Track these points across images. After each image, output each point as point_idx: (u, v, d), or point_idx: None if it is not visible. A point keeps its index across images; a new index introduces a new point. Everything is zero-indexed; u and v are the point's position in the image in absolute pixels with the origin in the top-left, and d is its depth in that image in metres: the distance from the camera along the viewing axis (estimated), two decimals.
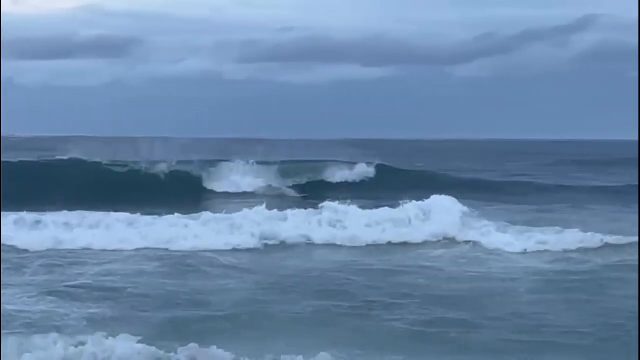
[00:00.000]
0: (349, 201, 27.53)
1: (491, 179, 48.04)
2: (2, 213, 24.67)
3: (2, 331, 12.75)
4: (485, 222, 25.90)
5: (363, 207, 27.22)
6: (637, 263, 20.24)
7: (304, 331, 13.97)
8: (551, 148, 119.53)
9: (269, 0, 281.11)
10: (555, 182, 46.48)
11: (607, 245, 23.30)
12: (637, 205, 31.23)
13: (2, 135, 65.36)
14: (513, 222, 26.29)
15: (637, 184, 41.26)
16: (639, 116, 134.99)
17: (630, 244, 22.99)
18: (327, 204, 26.99)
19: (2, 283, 17.09)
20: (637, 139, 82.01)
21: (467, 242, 24.12)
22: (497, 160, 77.49)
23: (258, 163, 41.83)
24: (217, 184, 40.45)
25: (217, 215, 25.97)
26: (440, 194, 27.62)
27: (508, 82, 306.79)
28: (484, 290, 17.77)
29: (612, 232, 24.45)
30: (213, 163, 42.03)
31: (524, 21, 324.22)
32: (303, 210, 26.89)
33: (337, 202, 27.22)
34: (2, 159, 38.35)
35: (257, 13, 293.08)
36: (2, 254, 20.84)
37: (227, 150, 45.92)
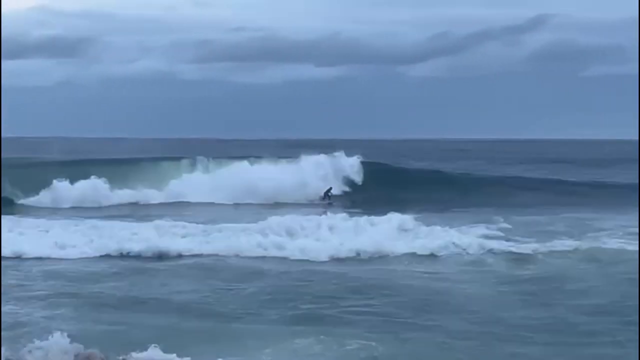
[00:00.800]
0: None
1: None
2: None
3: None
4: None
5: None
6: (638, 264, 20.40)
7: None
8: (503, 147, 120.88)
9: (222, 0, 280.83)
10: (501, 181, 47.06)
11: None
12: (638, 207, 31.13)
13: None
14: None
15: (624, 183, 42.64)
16: (638, 116, 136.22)
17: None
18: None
19: None
20: (638, 138, 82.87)
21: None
22: (448, 159, 78.49)
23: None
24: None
25: None
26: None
27: (461, 81, 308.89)
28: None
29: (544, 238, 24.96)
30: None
31: (478, 21, 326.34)
32: None
33: None
34: None
35: (211, 13, 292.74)
36: None
37: (182, 150, 46.38)
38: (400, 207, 28.23)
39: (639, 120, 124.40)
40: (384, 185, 41.71)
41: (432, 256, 23.12)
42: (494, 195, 40.02)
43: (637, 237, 23.90)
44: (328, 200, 39.58)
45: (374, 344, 13.31)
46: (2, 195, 35.37)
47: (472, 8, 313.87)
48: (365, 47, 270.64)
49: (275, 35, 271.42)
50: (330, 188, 40.67)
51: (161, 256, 22.60)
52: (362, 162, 43.55)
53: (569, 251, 23.06)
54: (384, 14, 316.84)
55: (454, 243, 23.69)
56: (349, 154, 43.55)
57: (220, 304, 16.58)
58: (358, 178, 42.85)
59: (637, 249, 22.33)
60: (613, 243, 23.99)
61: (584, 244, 23.70)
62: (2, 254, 21.61)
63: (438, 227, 25.25)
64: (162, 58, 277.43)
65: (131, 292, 17.78)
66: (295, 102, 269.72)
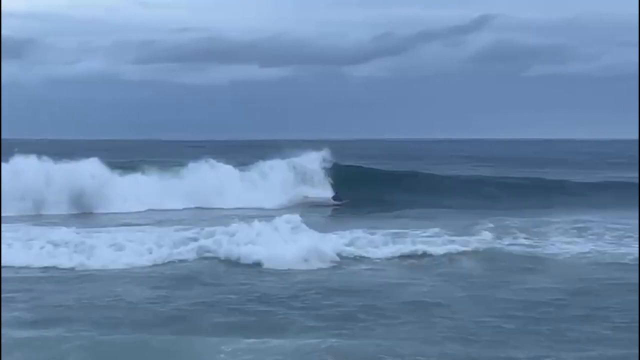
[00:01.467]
0: None
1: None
2: None
3: None
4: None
5: None
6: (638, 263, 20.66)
7: None
8: (447, 147, 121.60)
9: (165, 0, 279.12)
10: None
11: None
12: (638, 207, 31.45)
13: None
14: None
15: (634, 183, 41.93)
16: (639, 116, 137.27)
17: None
18: None
19: None
20: (637, 139, 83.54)
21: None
22: (392, 159, 78.82)
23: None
24: None
25: None
26: None
27: (405, 82, 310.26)
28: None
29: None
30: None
31: (421, 21, 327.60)
32: None
33: None
34: None
35: (154, 13, 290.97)
36: None
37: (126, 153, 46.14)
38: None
39: (639, 120, 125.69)
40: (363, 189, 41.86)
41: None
42: (443, 194, 40.39)
43: (638, 236, 23.98)
44: (340, 201, 39.58)
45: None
46: None
47: (415, 9, 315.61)
48: (310, 47, 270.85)
49: (220, 35, 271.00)
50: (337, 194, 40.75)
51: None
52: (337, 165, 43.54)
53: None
54: (328, 14, 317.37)
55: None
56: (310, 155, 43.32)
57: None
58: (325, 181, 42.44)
59: (638, 249, 22.36)
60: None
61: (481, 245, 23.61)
62: None
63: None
64: (105, 59, 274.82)
65: None
66: (240, 103, 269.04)
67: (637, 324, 14.48)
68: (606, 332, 14.34)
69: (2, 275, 19.32)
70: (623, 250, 23.11)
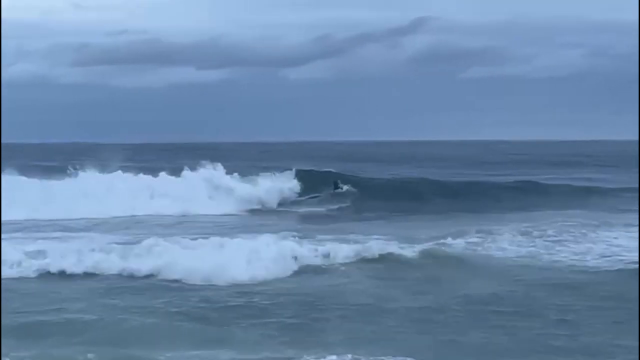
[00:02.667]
0: None
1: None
2: None
3: None
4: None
5: None
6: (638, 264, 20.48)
7: None
8: (387, 149, 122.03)
9: (102, 2, 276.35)
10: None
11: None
12: (637, 207, 31.43)
13: None
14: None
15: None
16: (639, 116, 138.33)
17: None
18: None
19: None
20: (637, 139, 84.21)
21: None
22: (333, 162, 78.94)
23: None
24: None
25: None
26: None
27: (344, 84, 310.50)
28: None
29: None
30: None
31: (359, 23, 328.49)
32: None
33: None
34: None
35: (90, 16, 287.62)
36: None
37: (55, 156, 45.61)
38: None
39: (638, 121, 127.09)
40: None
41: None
42: (385, 197, 40.37)
43: (638, 236, 23.94)
44: (339, 190, 39.21)
45: None
46: None
47: (353, 10, 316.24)
48: (247, 50, 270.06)
49: (156, 38, 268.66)
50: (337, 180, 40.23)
51: None
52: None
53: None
54: (266, 17, 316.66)
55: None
56: (231, 158, 42.89)
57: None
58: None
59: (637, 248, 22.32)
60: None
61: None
62: None
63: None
64: (40, 62, 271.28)
65: None
66: (178, 106, 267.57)
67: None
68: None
69: None
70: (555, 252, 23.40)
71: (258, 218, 35.24)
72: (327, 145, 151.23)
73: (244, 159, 72.44)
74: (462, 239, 24.85)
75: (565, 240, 25.31)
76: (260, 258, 20.91)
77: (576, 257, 22.66)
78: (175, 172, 40.61)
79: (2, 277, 19.55)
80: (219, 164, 40.90)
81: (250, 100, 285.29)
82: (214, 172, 40.66)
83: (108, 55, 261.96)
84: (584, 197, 40.14)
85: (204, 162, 40.65)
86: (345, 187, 39.87)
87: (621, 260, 22.20)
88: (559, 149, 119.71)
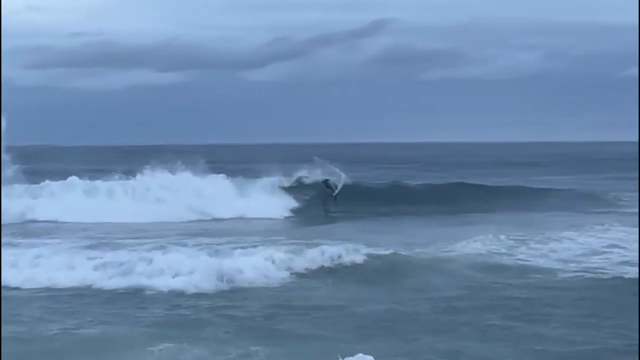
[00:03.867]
0: None
1: None
2: None
3: None
4: None
5: None
6: None
7: None
8: (343, 151, 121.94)
9: (59, 5, 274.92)
10: None
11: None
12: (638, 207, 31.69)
13: None
14: None
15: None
16: (639, 116, 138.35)
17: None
18: None
19: None
20: (637, 138, 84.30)
21: None
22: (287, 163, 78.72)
23: None
24: None
25: None
26: None
27: (302, 86, 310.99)
28: None
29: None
30: None
31: (318, 25, 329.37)
32: None
33: None
34: None
35: (47, 18, 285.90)
36: None
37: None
38: None
39: (639, 121, 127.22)
40: None
41: None
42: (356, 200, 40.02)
43: (638, 237, 23.92)
44: (333, 192, 38.07)
45: None
46: None
47: (312, 12, 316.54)
48: (206, 51, 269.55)
49: (115, 40, 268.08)
50: (327, 180, 38.77)
51: None
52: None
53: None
54: (225, 18, 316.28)
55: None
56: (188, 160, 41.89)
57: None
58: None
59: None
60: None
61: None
62: None
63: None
64: None
65: None
66: (136, 108, 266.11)
67: None
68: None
69: None
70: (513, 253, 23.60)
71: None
72: (287, 147, 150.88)
73: (211, 161, 72.18)
74: (426, 244, 24.96)
75: (528, 241, 25.56)
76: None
77: (537, 258, 22.90)
78: (131, 174, 39.99)
79: None
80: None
81: (209, 102, 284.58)
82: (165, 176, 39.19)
83: (65, 57, 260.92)
84: (540, 199, 40.33)
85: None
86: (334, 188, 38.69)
87: (585, 260, 22.59)
88: (515, 151, 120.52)
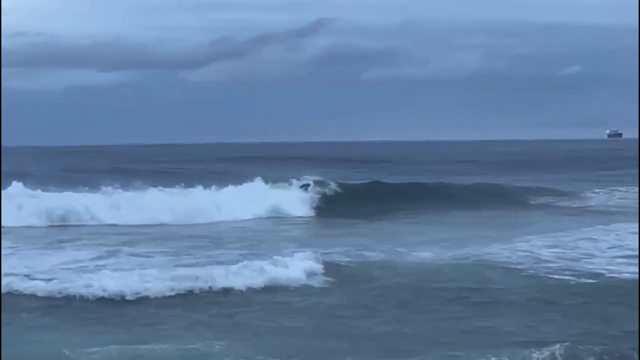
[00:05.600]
0: None
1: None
2: None
3: None
4: None
5: None
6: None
7: None
8: (289, 150, 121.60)
9: None
10: None
11: None
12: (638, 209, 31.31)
13: None
14: None
15: None
16: (638, 114, 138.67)
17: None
18: None
19: None
20: (637, 138, 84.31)
21: None
22: (228, 163, 78.23)
23: None
24: None
25: None
26: None
27: (244, 86, 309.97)
28: None
29: None
30: None
31: (259, 25, 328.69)
32: None
33: None
34: None
35: None
36: None
37: None
38: None
39: (638, 119, 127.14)
40: None
41: None
42: None
43: (638, 237, 23.59)
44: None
45: None
46: None
47: (253, 12, 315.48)
48: (147, 52, 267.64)
49: (56, 40, 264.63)
50: (308, 184, 38.05)
51: None
52: None
53: None
54: (166, 18, 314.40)
55: None
56: (131, 160, 41.00)
57: None
58: None
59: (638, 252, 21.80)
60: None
61: None
62: None
63: None
64: None
65: None
66: (77, 108, 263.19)
67: None
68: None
69: None
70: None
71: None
72: (232, 147, 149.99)
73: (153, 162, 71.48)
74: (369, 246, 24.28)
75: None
76: None
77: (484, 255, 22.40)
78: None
79: None
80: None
81: (149, 102, 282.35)
82: None
83: (5, 57, 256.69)
84: (486, 197, 40.10)
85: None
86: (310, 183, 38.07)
87: (532, 255, 22.30)
88: (456, 149, 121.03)
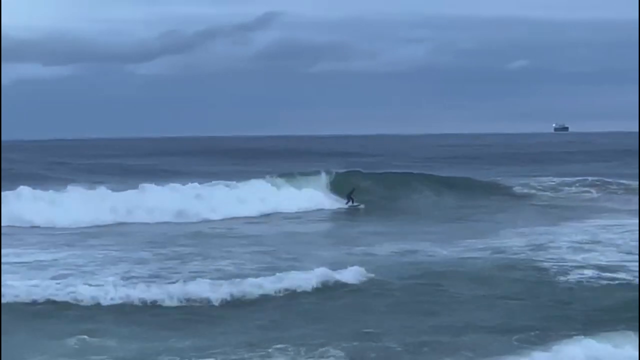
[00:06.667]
0: None
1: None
2: None
3: None
4: None
5: None
6: None
7: None
8: (238, 143, 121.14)
9: None
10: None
11: None
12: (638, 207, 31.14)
13: None
14: None
15: None
16: (639, 114, 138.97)
17: None
18: None
19: None
20: (637, 137, 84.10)
21: None
22: (179, 156, 77.73)
23: None
24: None
25: None
26: None
27: (191, 79, 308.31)
28: None
29: None
30: None
31: (207, 19, 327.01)
32: None
33: None
34: None
35: None
36: None
37: None
38: None
39: (639, 115, 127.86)
40: None
41: None
42: None
43: (638, 236, 23.42)
44: (351, 203, 36.63)
45: None
46: None
47: (200, 6, 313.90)
48: (95, 45, 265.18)
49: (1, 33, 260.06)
50: (353, 189, 37.27)
51: None
52: None
53: None
54: (113, 12, 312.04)
55: None
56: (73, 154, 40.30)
57: None
58: None
59: None
60: None
61: None
62: None
63: None
64: None
65: None
66: (24, 102, 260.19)
67: None
68: None
69: None
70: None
71: None
72: (179, 141, 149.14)
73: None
74: None
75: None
76: None
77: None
78: None
79: None
80: None
81: (96, 95, 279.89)
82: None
83: None
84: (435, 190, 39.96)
85: None
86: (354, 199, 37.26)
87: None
88: (402, 143, 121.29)
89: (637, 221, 26.25)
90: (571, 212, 32.22)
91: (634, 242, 22.71)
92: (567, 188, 41.45)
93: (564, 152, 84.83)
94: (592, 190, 40.41)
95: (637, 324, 14.22)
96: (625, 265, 19.54)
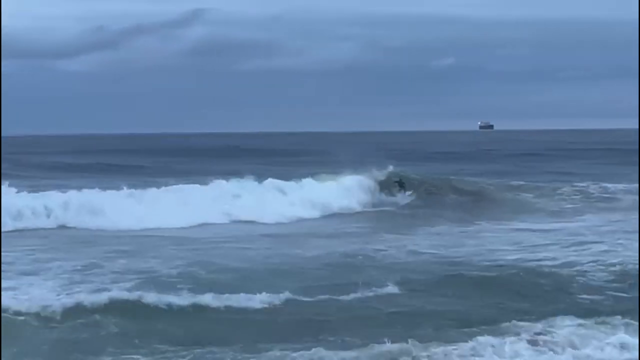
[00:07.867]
0: None
1: None
2: None
3: None
4: None
5: None
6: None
7: None
8: (169, 141, 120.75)
9: None
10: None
11: None
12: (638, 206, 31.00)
13: None
14: None
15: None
16: (639, 113, 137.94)
17: None
18: None
19: None
20: (637, 136, 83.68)
21: None
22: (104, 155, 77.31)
23: None
24: None
25: None
26: None
27: (117, 76, 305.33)
28: None
29: None
30: None
31: (133, 15, 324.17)
32: None
33: None
34: None
35: None
36: None
37: None
38: None
39: (639, 116, 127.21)
40: None
41: None
42: None
43: (638, 236, 23.15)
44: (400, 191, 35.80)
45: None
46: None
47: (127, 2, 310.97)
48: (19, 41, 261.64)
49: None
50: (400, 180, 36.43)
51: None
52: None
53: None
54: (38, 7, 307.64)
55: None
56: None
57: None
58: None
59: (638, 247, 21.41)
60: None
61: None
62: None
63: None
64: None
65: None
66: None
67: None
68: None
69: None
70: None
71: None
72: (104, 139, 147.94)
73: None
74: None
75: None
76: None
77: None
78: None
79: None
80: None
81: (22, 93, 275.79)
82: None
83: None
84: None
85: None
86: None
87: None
88: (329, 141, 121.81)
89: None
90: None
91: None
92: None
93: (485, 150, 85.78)
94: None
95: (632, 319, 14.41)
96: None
